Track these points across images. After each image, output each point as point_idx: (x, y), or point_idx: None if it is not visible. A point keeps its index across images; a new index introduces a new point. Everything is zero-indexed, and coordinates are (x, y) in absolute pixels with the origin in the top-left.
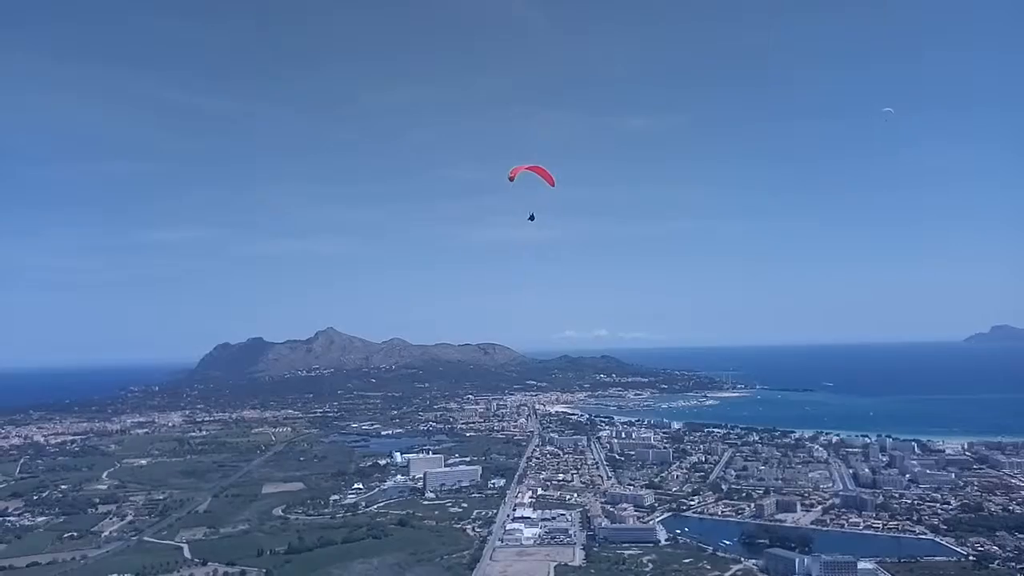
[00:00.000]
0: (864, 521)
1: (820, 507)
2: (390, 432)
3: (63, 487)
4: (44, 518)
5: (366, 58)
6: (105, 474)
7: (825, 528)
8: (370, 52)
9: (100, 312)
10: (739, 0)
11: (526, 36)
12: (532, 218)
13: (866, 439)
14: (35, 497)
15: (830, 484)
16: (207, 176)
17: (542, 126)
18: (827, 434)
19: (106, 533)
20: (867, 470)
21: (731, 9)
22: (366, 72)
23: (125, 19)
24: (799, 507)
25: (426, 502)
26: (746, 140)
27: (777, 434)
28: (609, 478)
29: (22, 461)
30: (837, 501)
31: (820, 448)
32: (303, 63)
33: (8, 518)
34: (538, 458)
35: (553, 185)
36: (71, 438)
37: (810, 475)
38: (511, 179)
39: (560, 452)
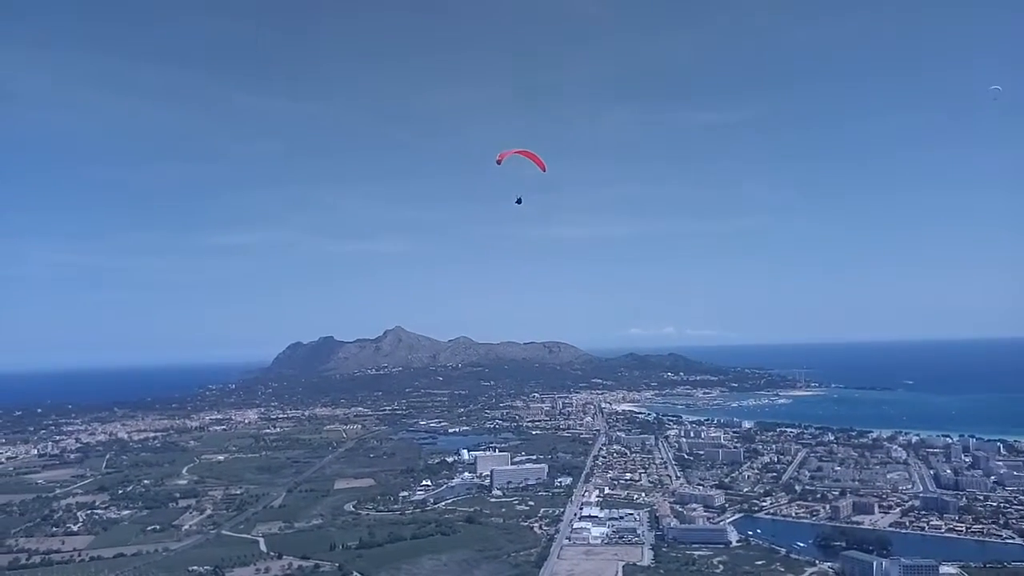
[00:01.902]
0: (946, 524)
1: (899, 509)
2: (457, 430)
3: (146, 482)
4: (129, 511)
5: (428, 57)
6: (185, 469)
7: (904, 531)
8: (432, 51)
9: (178, 312)
10: None
11: (588, 31)
12: (519, 201)
13: (948, 439)
14: (120, 491)
15: (909, 485)
16: (278, 178)
17: (606, 122)
18: (906, 434)
19: (186, 526)
20: (949, 471)
21: (799, 4)
22: (429, 71)
23: (193, 23)
24: (877, 509)
25: (493, 499)
26: (815, 135)
27: (854, 434)
28: (678, 478)
29: (108, 457)
30: (917, 503)
31: (899, 448)
32: (368, 64)
33: (96, 511)
34: (605, 457)
35: (544, 171)
36: (153, 435)
37: (888, 476)
38: (498, 162)
39: (627, 451)
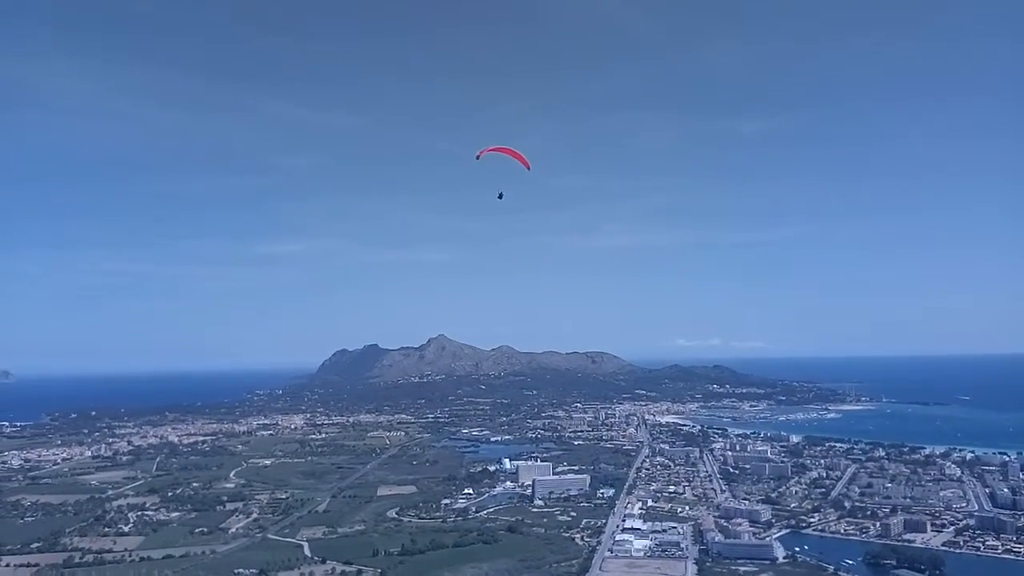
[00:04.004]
0: (1003, 544)
1: (953, 528)
2: (499, 439)
3: (195, 485)
4: (177, 513)
5: (472, 70)
6: (233, 473)
7: (958, 551)
8: (476, 64)
9: (228, 320)
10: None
11: (630, 43)
12: (501, 196)
13: (1005, 457)
14: (170, 494)
15: (964, 504)
16: (326, 189)
17: (650, 132)
18: (961, 451)
19: (233, 529)
20: (1006, 490)
21: (842, 14)
22: (473, 83)
23: (243, 40)
24: (929, 527)
25: (535, 509)
26: (865, 145)
27: (905, 450)
28: (723, 492)
29: (158, 460)
30: (972, 522)
31: (953, 465)
32: (411, 78)
33: (146, 513)
34: (648, 469)
35: (529, 168)
36: (202, 438)
37: (942, 494)
38: (478, 158)
39: (671, 463)
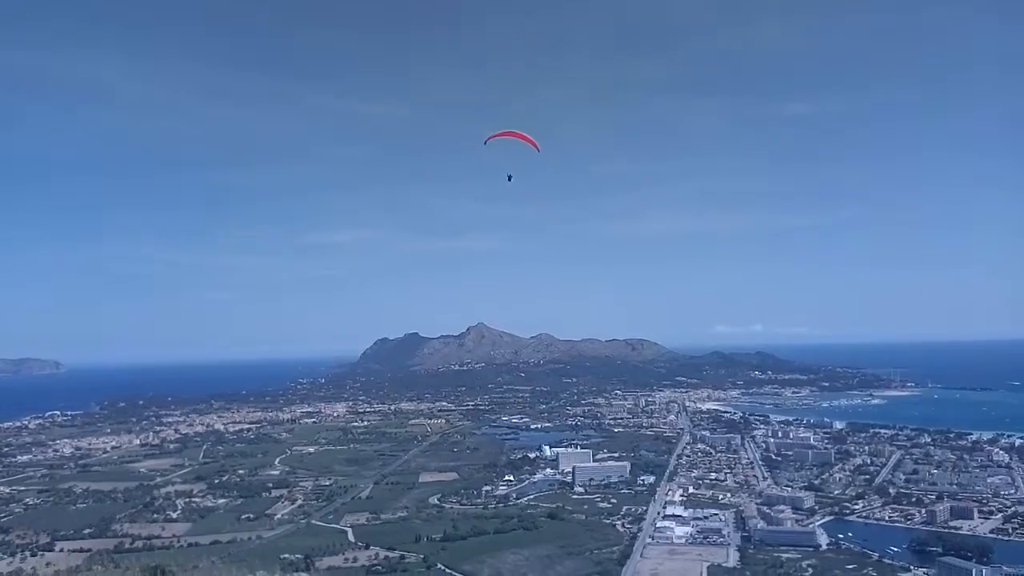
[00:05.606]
0: None
1: (1001, 515)
2: (539, 426)
3: (240, 472)
4: (224, 500)
5: (513, 58)
6: (277, 460)
7: (1007, 538)
8: (517, 52)
9: (273, 309)
10: None
11: (672, 25)
12: (510, 178)
13: None
14: (216, 481)
15: (1012, 491)
16: (372, 179)
17: (696, 116)
18: (1009, 436)
19: (278, 516)
20: None
21: None
22: (514, 72)
23: (292, 33)
24: (976, 514)
25: (575, 496)
26: (913, 126)
27: (952, 436)
28: (765, 478)
29: (205, 447)
30: (1021, 509)
31: (1001, 452)
32: (455, 67)
33: (193, 499)
34: (689, 456)
35: (539, 150)
36: (247, 426)
37: (989, 480)
38: (485, 143)
39: (712, 450)
